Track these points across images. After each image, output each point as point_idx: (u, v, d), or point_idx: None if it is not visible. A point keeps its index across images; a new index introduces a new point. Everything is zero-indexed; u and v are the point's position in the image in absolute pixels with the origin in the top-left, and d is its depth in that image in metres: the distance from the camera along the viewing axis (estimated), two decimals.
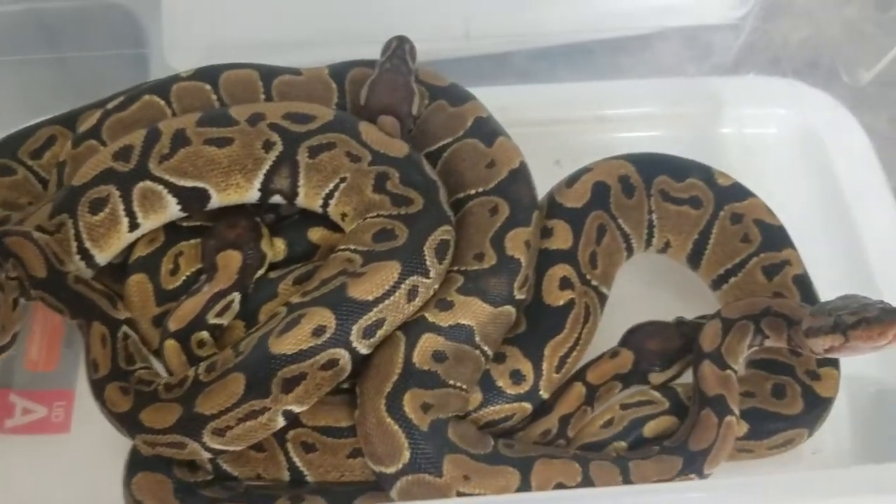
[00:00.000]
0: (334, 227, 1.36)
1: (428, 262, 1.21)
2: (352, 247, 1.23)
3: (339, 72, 1.48)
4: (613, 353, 1.33)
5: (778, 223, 1.45)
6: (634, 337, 1.35)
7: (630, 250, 1.48)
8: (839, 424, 1.42)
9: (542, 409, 1.29)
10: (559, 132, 1.76)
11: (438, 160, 1.42)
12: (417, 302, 1.21)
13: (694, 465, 1.23)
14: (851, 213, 1.66)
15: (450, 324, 1.22)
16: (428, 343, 1.20)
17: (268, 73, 1.45)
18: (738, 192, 1.47)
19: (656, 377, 1.33)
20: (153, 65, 1.76)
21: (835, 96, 1.77)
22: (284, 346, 1.12)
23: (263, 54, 1.52)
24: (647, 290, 1.56)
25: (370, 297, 1.16)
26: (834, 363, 1.34)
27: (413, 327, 1.21)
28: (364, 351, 1.18)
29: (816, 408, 1.31)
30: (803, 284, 1.39)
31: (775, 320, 1.28)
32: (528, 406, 1.29)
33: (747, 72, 1.87)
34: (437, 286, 1.24)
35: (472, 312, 1.23)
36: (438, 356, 1.20)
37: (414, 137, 1.45)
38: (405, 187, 1.27)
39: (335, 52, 1.55)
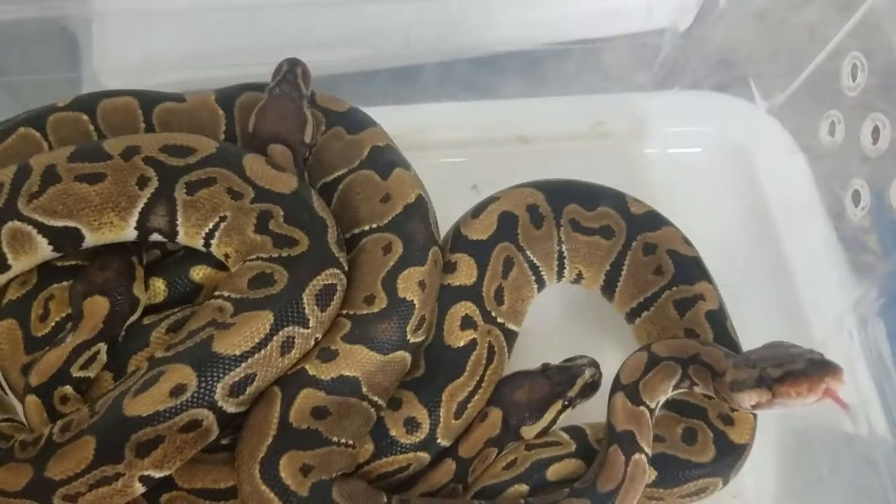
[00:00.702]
0: (220, 265, 1.28)
1: (307, 311, 1.13)
2: (226, 294, 1.15)
3: (227, 97, 1.39)
4: (483, 416, 1.25)
5: (693, 254, 1.38)
6: (500, 392, 1.27)
7: (541, 282, 1.41)
8: (761, 465, 1.36)
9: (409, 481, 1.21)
10: (479, 154, 1.69)
11: (334, 192, 1.34)
12: (294, 354, 1.13)
13: None
14: (780, 233, 1.60)
15: (332, 376, 1.13)
16: (307, 399, 1.11)
17: (148, 101, 1.35)
18: (652, 221, 1.40)
19: (528, 430, 1.25)
20: (85, 86, 1.68)
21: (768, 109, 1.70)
22: (139, 407, 1.03)
23: (196, 72, 1.47)
24: (566, 321, 1.50)
25: (237, 352, 1.07)
26: None
27: (291, 382, 1.13)
28: (232, 410, 1.09)
29: (729, 455, 1.24)
30: (716, 321, 1.31)
31: (701, 369, 1.19)
32: (424, 456, 1.21)
33: (690, 81, 1.80)
34: (319, 335, 1.16)
35: (357, 362, 1.15)
36: (319, 412, 1.12)
37: (310, 167, 1.37)
38: (289, 227, 1.19)
39: (267, 67, 1.46)
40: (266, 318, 1.10)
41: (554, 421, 1.26)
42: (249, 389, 1.10)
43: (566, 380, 1.26)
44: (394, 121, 1.62)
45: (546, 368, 1.28)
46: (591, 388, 1.27)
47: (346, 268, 1.21)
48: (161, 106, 1.36)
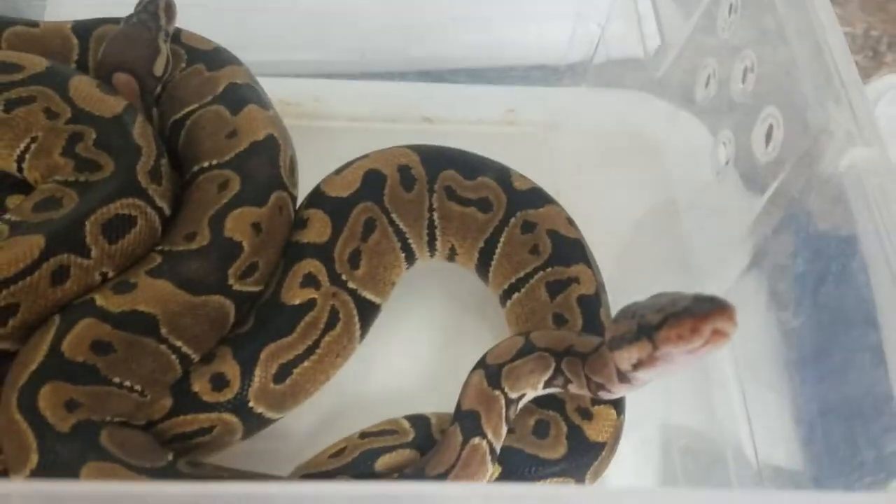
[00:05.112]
0: None
1: (88, 239, 1.01)
2: (8, 217, 1.03)
3: (84, 27, 1.29)
4: None
5: (574, 236, 1.24)
6: None
7: (409, 252, 1.27)
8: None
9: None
10: (377, 128, 1.57)
11: (182, 130, 1.22)
12: (71, 286, 1.00)
13: None
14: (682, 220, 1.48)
15: (123, 310, 1.00)
16: (87, 330, 0.98)
17: None
18: (535, 198, 1.27)
19: None
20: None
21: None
22: None
23: None
24: (447, 306, 1.36)
25: None
26: (615, 403, 1.11)
27: (73, 311, 1.00)
28: None
29: (583, 454, 1.08)
30: (589, 307, 1.17)
31: (574, 360, 1.04)
32: (231, 419, 1.07)
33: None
34: (108, 269, 1.04)
35: (157, 298, 1.02)
36: (101, 347, 0.98)
37: (164, 104, 1.25)
38: (98, 151, 1.07)
39: None
40: (36, 244, 0.97)
41: None
42: (12, 322, 0.97)
43: None
44: (290, 89, 1.54)
45: None
46: None
47: (160, 203, 1.09)
48: (11, 30, 1.27)
